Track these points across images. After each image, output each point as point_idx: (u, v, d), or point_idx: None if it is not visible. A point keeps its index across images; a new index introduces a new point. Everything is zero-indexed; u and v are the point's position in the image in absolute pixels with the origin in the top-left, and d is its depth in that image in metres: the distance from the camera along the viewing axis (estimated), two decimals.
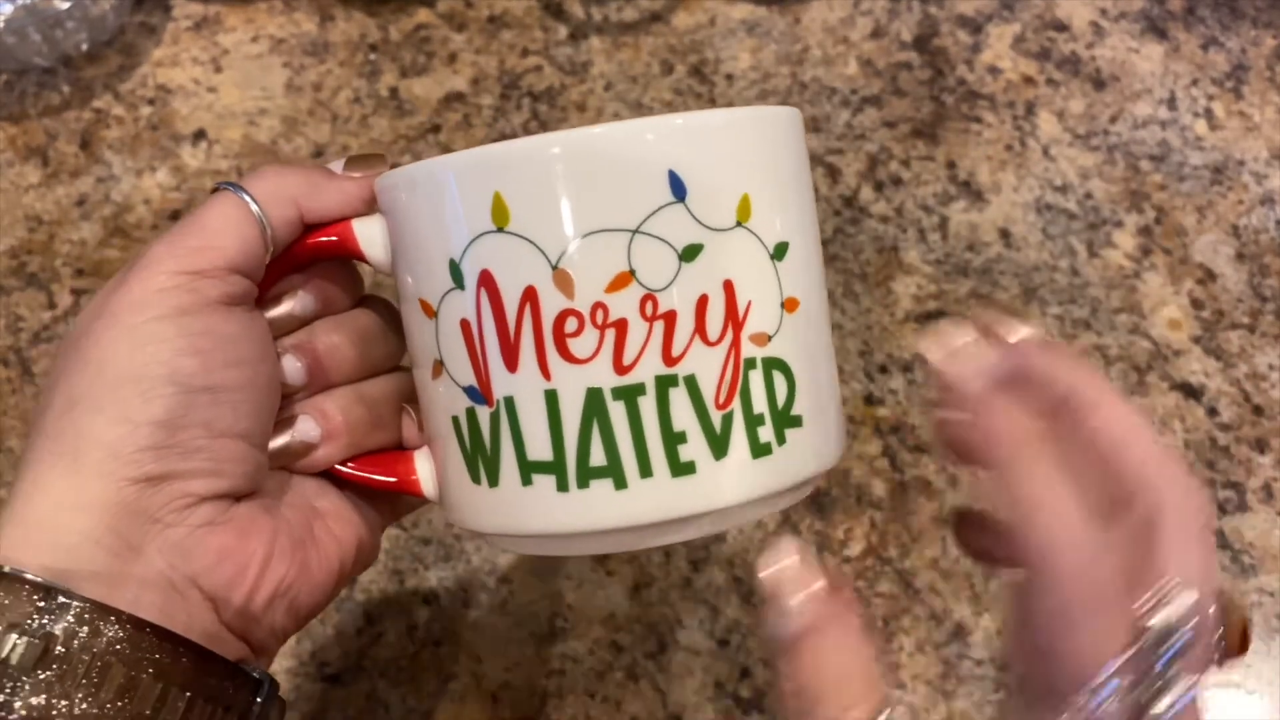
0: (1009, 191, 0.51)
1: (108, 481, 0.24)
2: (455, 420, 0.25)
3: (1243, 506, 0.44)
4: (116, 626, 0.23)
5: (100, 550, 0.23)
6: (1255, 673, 0.40)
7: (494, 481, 0.25)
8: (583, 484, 0.24)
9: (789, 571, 0.22)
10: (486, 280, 0.23)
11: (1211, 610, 0.22)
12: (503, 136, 0.52)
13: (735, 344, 0.24)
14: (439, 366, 0.25)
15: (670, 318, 0.23)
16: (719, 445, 0.24)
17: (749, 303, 0.24)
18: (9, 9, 0.51)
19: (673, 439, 0.23)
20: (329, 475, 0.28)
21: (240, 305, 0.26)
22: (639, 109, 0.53)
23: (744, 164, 0.24)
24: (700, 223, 0.23)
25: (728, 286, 0.23)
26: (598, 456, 0.23)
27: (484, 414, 0.24)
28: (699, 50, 0.55)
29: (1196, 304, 0.48)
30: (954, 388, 0.24)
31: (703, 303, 0.23)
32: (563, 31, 0.55)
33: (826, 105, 0.53)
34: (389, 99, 0.53)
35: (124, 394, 0.24)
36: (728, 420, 0.24)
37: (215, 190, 0.27)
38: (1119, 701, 0.21)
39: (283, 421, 0.27)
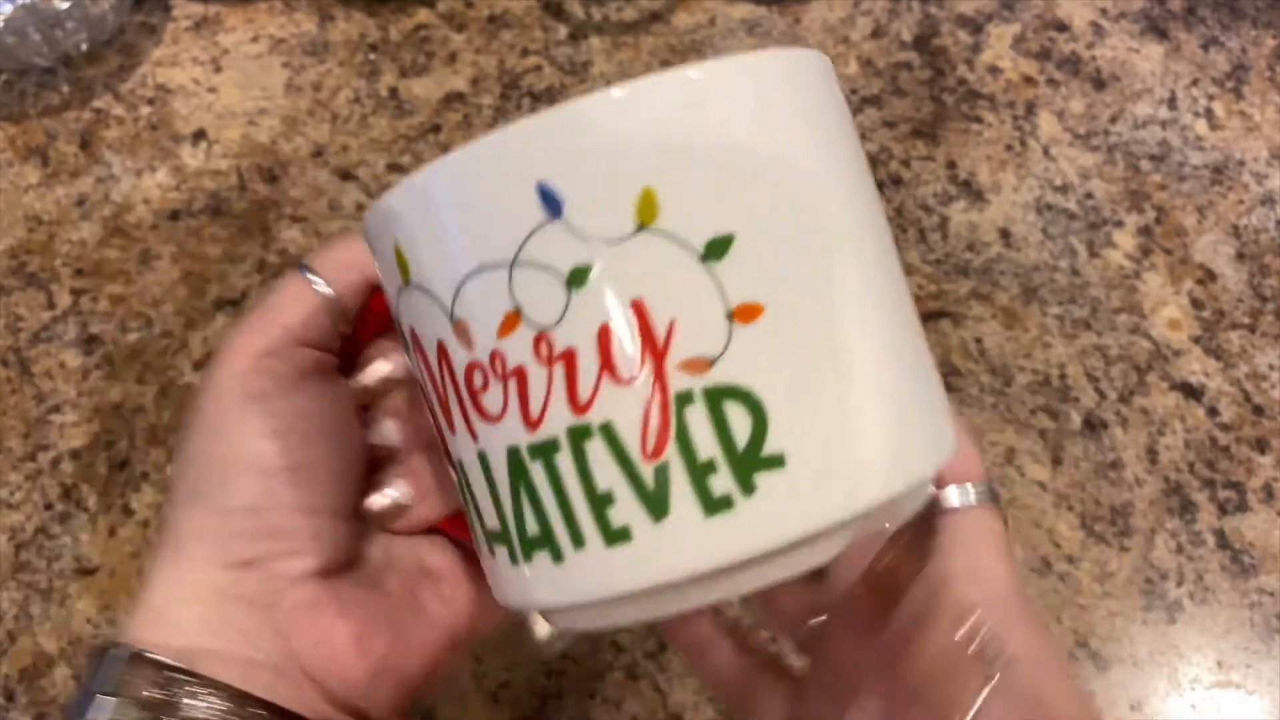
0: (1009, 191, 0.51)
1: (208, 570, 0.25)
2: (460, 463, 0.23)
3: (1243, 506, 0.44)
4: (230, 702, 0.23)
5: (212, 634, 0.24)
6: (1255, 673, 0.40)
7: (479, 548, 0.23)
8: (527, 557, 0.21)
9: None
10: (414, 338, 0.22)
11: None
12: None
13: (658, 377, 0.19)
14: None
15: (569, 357, 0.19)
16: (655, 505, 0.19)
17: (671, 323, 0.19)
18: (9, 9, 0.51)
19: (599, 502, 0.20)
20: (443, 530, 0.28)
21: (315, 377, 0.26)
22: None
23: (640, 151, 0.19)
24: (584, 238, 0.19)
25: (636, 308, 0.19)
26: (531, 526, 0.20)
27: (457, 478, 0.23)
28: (699, 50, 0.55)
29: (1197, 304, 0.48)
30: None
31: (604, 334, 0.19)
32: (563, 31, 0.55)
33: None
34: (389, 99, 0.53)
35: (212, 484, 0.25)
36: (662, 473, 0.19)
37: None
38: None
39: (375, 484, 0.27)
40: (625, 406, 0.19)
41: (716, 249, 0.19)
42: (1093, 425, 0.45)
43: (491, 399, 0.20)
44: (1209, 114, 0.53)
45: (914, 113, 0.53)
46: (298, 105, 0.53)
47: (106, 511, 0.43)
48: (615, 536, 0.20)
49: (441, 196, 0.20)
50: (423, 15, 0.56)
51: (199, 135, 0.52)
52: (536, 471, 0.20)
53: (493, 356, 0.20)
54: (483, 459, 0.21)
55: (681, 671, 0.40)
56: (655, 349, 0.19)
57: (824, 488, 0.20)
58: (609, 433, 0.19)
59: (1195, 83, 0.54)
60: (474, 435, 0.21)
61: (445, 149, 0.51)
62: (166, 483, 0.44)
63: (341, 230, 0.49)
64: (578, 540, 0.20)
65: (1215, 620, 0.41)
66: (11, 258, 0.49)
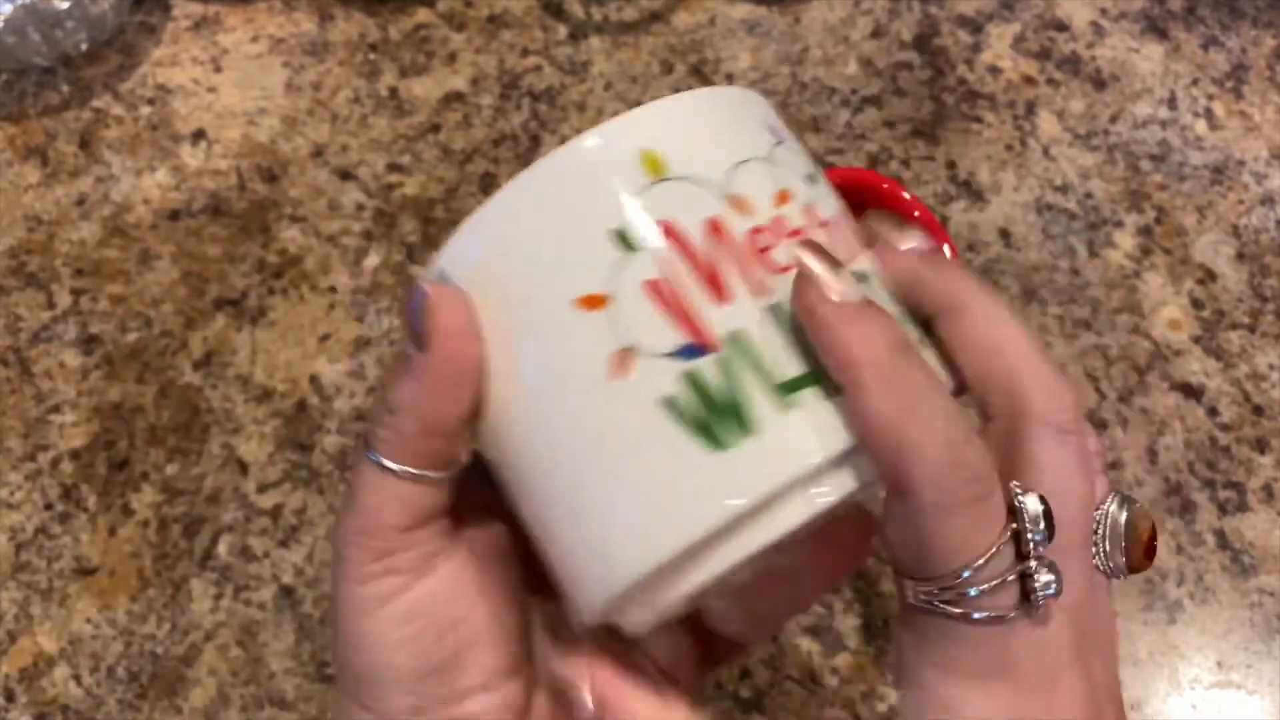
0: (1009, 191, 0.51)
1: None
2: (668, 401, 0.22)
3: (1243, 506, 0.44)
4: None
5: None
6: (1255, 673, 0.40)
7: (750, 429, 0.21)
8: (834, 390, 0.22)
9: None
10: (667, 230, 0.23)
11: (1094, 510, 0.23)
12: (503, 136, 0.52)
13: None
14: (627, 354, 0.22)
15: (827, 225, 0.24)
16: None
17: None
18: (9, 9, 0.51)
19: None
20: None
21: (438, 553, 0.25)
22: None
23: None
24: (805, 156, 0.26)
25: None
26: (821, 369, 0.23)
27: (710, 365, 0.22)
28: (699, 50, 0.55)
29: (1196, 304, 0.48)
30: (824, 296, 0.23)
31: (842, 213, 0.25)
32: (562, 31, 0.55)
33: (826, 105, 0.53)
34: (389, 99, 0.53)
35: (366, 692, 0.25)
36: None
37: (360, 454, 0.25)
38: (1000, 580, 0.21)
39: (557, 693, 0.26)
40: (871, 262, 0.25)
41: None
42: (1093, 425, 0.45)
43: (780, 255, 0.23)
44: (1209, 114, 0.53)
45: (914, 113, 0.53)
46: (297, 105, 0.53)
47: (106, 511, 0.43)
48: None
49: (709, 114, 0.25)
50: (422, 15, 0.56)
51: (199, 135, 0.52)
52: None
53: (775, 221, 0.23)
54: (776, 309, 0.22)
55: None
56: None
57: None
58: (865, 277, 0.24)
59: (1195, 83, 0.54)
60: (766, 290, 0.23)
61: (445, 148, 0.51)
62: (167, 482, 0.44)
63: (342, 235, 0.49)
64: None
65: (1215, 620, 0.41)
66: (11, 258, 0.49)
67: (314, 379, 0.46)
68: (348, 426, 0.45)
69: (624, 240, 0.22)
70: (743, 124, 0.25)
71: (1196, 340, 0.47)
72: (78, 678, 0.40)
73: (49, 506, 0.43)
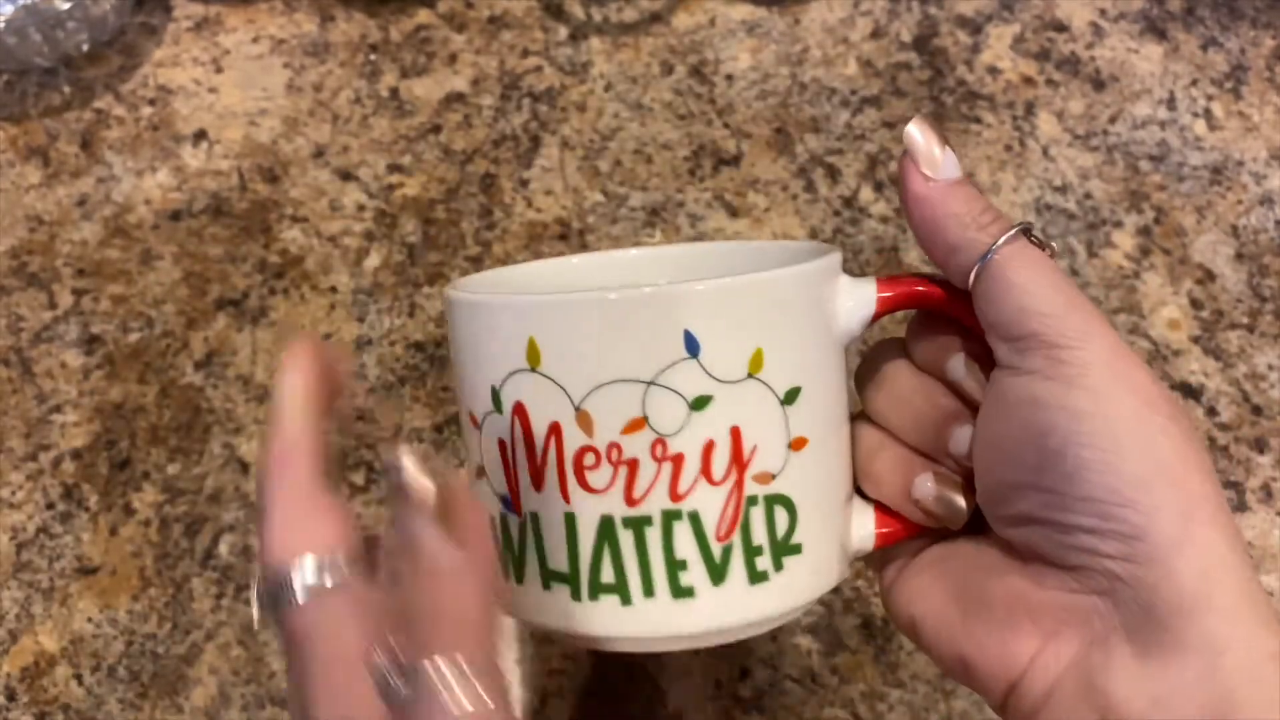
0: (1009, 192, 0.51)
1: None
2: (493, 519, 0.28)
3: (1242, 506, 0.44)
4: None
5: None
6: None
7: (519, 579, 0.27)
8: (593, 596, 0.26)
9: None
10: (519, 411, 0.26)
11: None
12: (503, 137, 0.52)
13: (739, 484, 0.26)
14: (481, 471, 0.28)
15: (678, 460, 0.26)
16: (717, 573, 0.26)
17: (754, 446, 0.26)
18: (10, 9, 0.51)
19: (674, 566, 0.26)
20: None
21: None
22: (639, 109, 0.53)
23: (760, 322, 0.26)
24: (711, 376, 0.25)
25: (734, 432, 0.26)
26: (607, 574, 0.26)
27: (514, 522, 0.27)
28: (699, 51, 0.55)
29: (1196, 304, 0.48)
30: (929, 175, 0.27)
31: (709, 447, 0.26)
32: (563, 32, 0.55)
33: (826, 105, 0.53)
34: (389, 99, 0.53)
35: None
36: (727, 551, 0.26)
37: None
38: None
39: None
40: (710, 501, 0.26)
41: (791, 396, 0.26)
42: None
43: (598, 476, 0.26)
44: (1208, 114, 0.53)
45: (914, 113, 0.53)
46: (298, 105, 0.53)
47: (108, 511, 0.43)
48: (682, 593, 0.26)
49: (596, 322, 0.25)
50: (423, 16, 0.56)
51: (200, 135, 0.52)
52: (625, 537, 0.26)
53: (610, 446, 0.26)
54: (569, 518, 0.26)
55: (681, 672, 0.41)
56: (740, 463, 0.26)
57: (818, 570, 0.28)
58: (695, 518, 0.26)
59: (1194, 83, 0.54)
60: (566, 499, 0.26)
61: (445, 149, 0.51)
62: (168, 482, 0.44)
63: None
64: (649, 591, 0.26)
65: None
66: (13, 258, 0.49)
67: None
68: (348, 427, 0.45)
69: (495, 398, 0.27)
70: (648, 337, 0.25)
71: (1195, 340, 0.47)
72: (79, 677, 0.40)
73: (50, 506, 0.43)
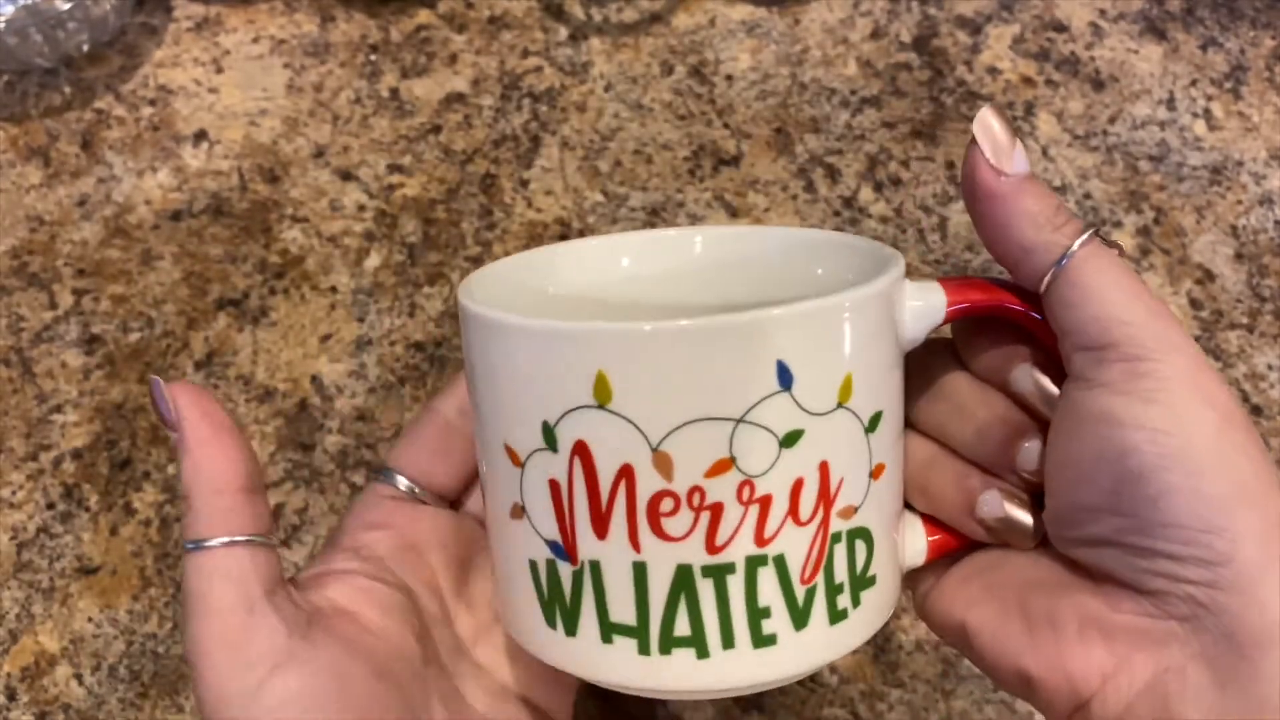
0: None
1: None
2: (533, 564, 0.25)
3: None
4: None
5: None
6: None
7: (571, 632, 0.25)
8: (665, 651, 0.24)
9: None
10: (581, 450, 0.24)
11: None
12: (504, 137, 0.52)
13: (825, 521, 0.24)
14: (520, 510, 0.25)
15: (766, 501, 0.23)
16: (800, 618, 0.25)
17: (841, 480, 0.24)
18: (10, 9, 0.51)
19: (757, 614, 0.24)
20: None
21: (294, 655, 0.26)
22: (639, 109, 0.53)
23: (850, 347, 0.24)
24: (803, 409, 0.23)
25: (823, 467, 0.24)
26: (682, 627, 0.24)
27: (566, 569, 0.25)
28: (699, 51, 0.55)
29: (1195, 304, 0.48)
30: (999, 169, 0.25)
31: (798, 486, 0.24)
32: (563, 32, 0.55)
33: (826, 106, 0.53)
34: (389, 99, 0.53)
35: None
36: (811, 593, 0.25)
37: None
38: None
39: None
40: (797, 542, 0.24)
41: (874, 422, 0.25)
42: None
43: (676, 523, 0.23)
44: (1207, 115, 0.53)
45: (913, 113, 0.53)
46: (299, 106, 0.53)
47: (108, 511, 0.43)
48: (764, 641, 0.24)
49: (680, 354, 0.23)
50: (423, 16, 0.56)
51: (200, 136, 0.52)
52: (704, 587, 0.24)
53: (692, 490, 0.23)
54: (639, 567, 0.24)
55: None
56: (827, 499, 0.24)
57: (888, 599, 0.27)
58: (780, 562, 0.24)
59: (1194, 83, 0.54)
60: (636, 547, 0.24)
61: (446, 149, 0.52)
62: (168, 482, 0.44)
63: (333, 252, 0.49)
64: (729, 643, 0.24)
65: None
66: (13, 258, 0.49)
67: (315, 379, 0.46)
68: (349, 426, 0.45)
69: (548, 435, 0.24)
70: (737, 370, 0.23)
71: (1195, 340, 0.47)
72: (79, 677, 0.40)
73: (51, 506, 0.43)
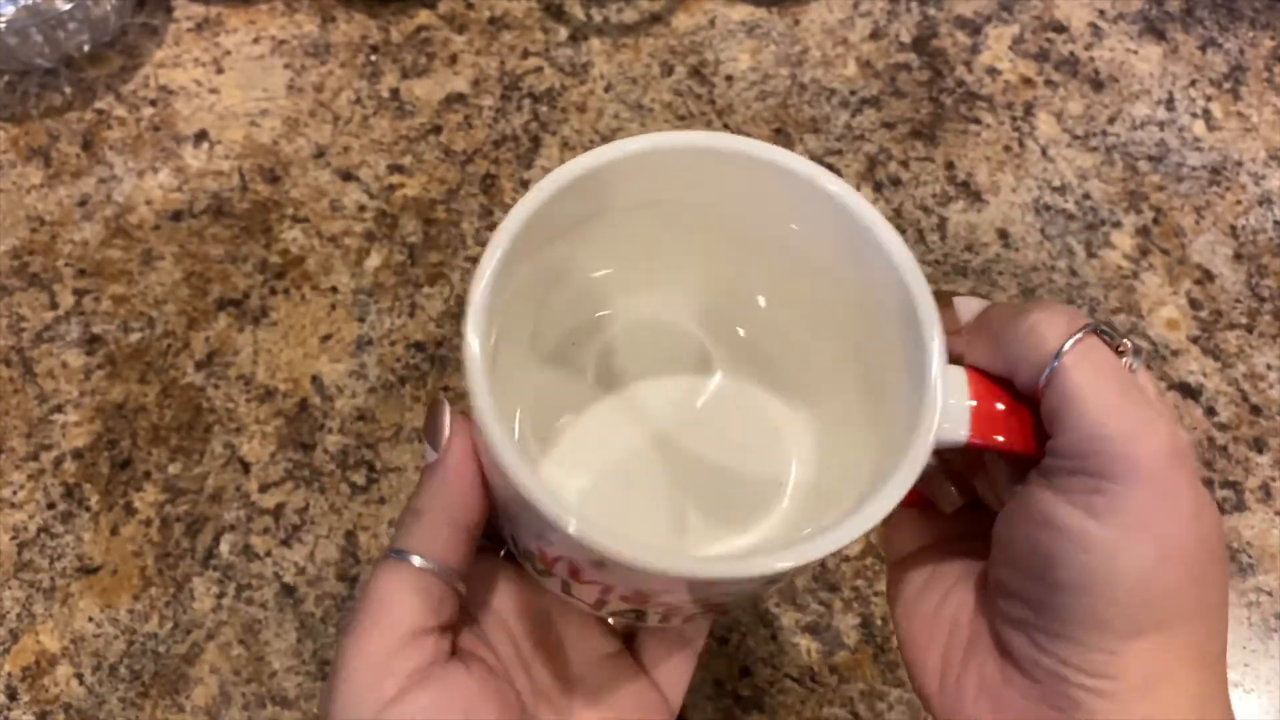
0: (1007, 192, 0.51)
1: None
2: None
3: (1240, 506, 0.44)
4: None
5: None
6: (1253, 672, 0.41)
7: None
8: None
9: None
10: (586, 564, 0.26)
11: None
12: (504, 137, 0.52)
13: None
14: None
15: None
16: None
17: None
18: (11, 10, 0.51)
19: None
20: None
21: (440, 663, 0.26)
22: (639, 110, 0.53)
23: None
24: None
25: None
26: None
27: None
28: (699, 51, 0.55)
29: (1194, 304, 0.48)
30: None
31: None
32: (563, 33, 0.55)
33: (825, 106, 0.53)
34: (390, 100, 0.53)
35: None
36: None
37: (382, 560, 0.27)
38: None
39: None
40: None
41: None
42: None
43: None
44: (1207, 115, 0.53)
45: (913, 114, 0.53)
46: (299, 106, 0.53)
47: (109, 510, 0.43)
48: None
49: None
50: (424, 17, 0.56)
51: (201, 136, 0.52)
52: None
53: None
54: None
55: None
56: None
57: None
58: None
59: (1193, 84, 0.54)
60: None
61: (446, 150, 0.52)
62: (169, 481, 0.44)
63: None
64: None
65: None
66: (14, 258, 0.49)
67: (315, 379, 0.46)
68: (349, 426, 0.45)
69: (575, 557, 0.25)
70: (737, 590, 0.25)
71: (1194, 340, 0.47)
72: (80, 676, 0.40)
73: (51, 506, 0.43)
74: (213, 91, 0.54)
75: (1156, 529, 0.23)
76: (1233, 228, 0.50)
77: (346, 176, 0.51)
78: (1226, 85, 0.54)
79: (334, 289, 0.48)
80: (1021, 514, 0.25)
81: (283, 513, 0.43)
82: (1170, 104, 0.54)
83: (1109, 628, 0.23)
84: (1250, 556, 0.43)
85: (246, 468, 0.44)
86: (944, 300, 0.26)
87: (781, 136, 0.52)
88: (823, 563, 0.42)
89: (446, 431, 0.26)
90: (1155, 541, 0.23)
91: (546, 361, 0.31)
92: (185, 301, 0.48)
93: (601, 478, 0.30)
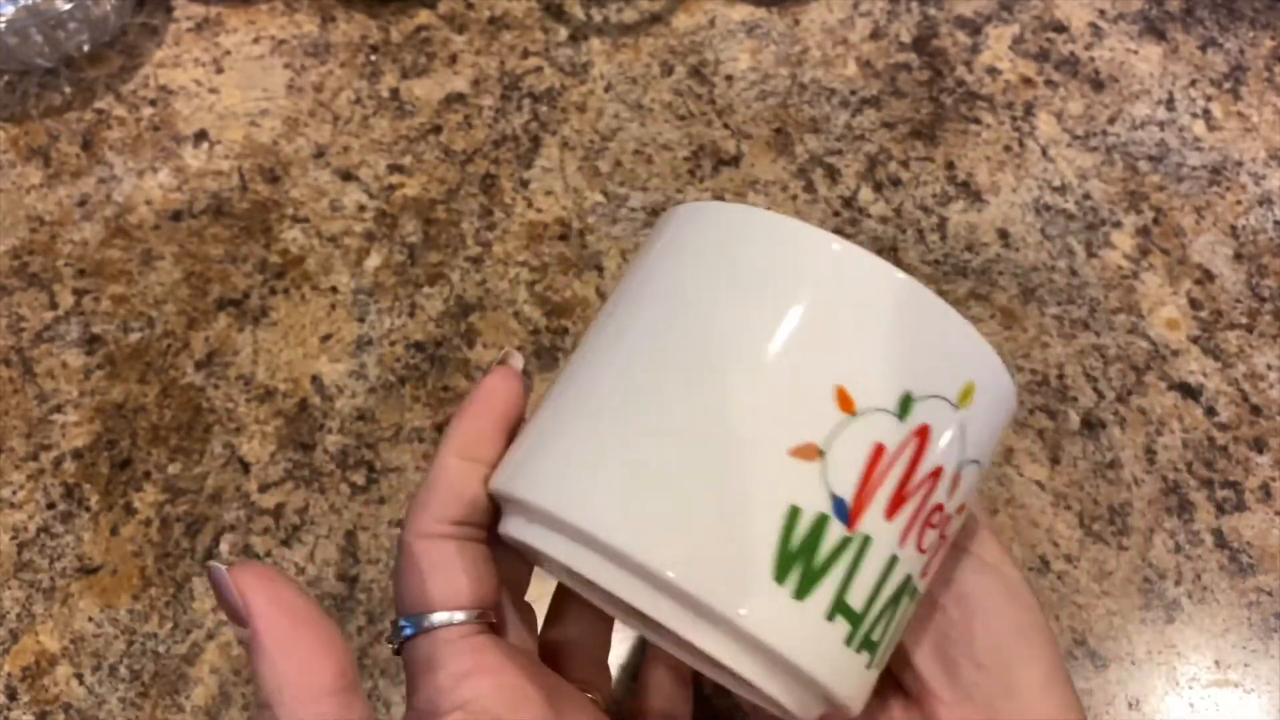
0: (1008, 192, 0.51)
1: None
2: (795, 511, 0.22)
3: (1241, 506, 0.44)
4: None
5: None
6: (1253, 672, 0.40)
7: (800, 595, 0.22)
8: (859, 650, 0.23)
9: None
10: (923, 435, 0.23)
11: None
12: (504, 137, 0.52)
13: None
14: (816, 453, 0.22)
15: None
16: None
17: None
18: (11, 10, 0.51)
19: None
20: None
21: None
22: (639, 109, 0.53)
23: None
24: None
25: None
26: (878, 634, 0.23)
27: (836, 531, 0.22)
28: (699, 51, 0.55)
29: (1195, 304, 0.48)
30: None
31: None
32: (563, 33, 0.55)
33: (825, 106, 0.53)
34: (390, 100, 0.53)
35: None
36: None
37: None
38: None
39: None
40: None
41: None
42: (1091, 425, 0.45)
43: (931, 538, 0.24)
44: (1207, 115, 0.53)
45: (913, 114, 0.53)
46: (299, 106, 0.53)
47: (109, 510, 0.43)
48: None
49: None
50: (424, 16, 0.56)
51: (200, 136, 0.52)
52: (910, 610, 0.25)
53: (957, 511, 0.25)
54: (891, 561, 0.23)
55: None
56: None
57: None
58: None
59: (1193, 84, 0.54)
60: (903, 543, 0.23)
61: (446, 149, 0.52)
62: (168, 482, 0.44)
63: (345, 230, 0.49)
64: (880, 663, 0.25)
65: (1213, 619, 0.41)
66: (14, 258, 0.49)
67: (315, 379, 0.46)
68: (349, 426, 0.45)
69: (904, 405, 0.23)
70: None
71: (1194, 340, 0.47)
72: (80, 676, 0.40)
73: (51, 506, 0.43)
74: (212, 91, 0.54)
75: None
76: (1233, 228, 0.50)
77: (346, 176, 0.51)
78: (1227, 85, 0.54)
79: (334, 289, 0.48)
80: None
81: (282, 513, 0.43)
82: (1170, 104, 0.54)
83: None
84: (1250, 557, 0.43)
85: (246, 468, 0.44)
86: None
87: (781, 136, 0.52)
88: None
89: (236, 595, 0.23)
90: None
91: None
92: (185, 301, 0.48)
93: None
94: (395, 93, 0.53)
